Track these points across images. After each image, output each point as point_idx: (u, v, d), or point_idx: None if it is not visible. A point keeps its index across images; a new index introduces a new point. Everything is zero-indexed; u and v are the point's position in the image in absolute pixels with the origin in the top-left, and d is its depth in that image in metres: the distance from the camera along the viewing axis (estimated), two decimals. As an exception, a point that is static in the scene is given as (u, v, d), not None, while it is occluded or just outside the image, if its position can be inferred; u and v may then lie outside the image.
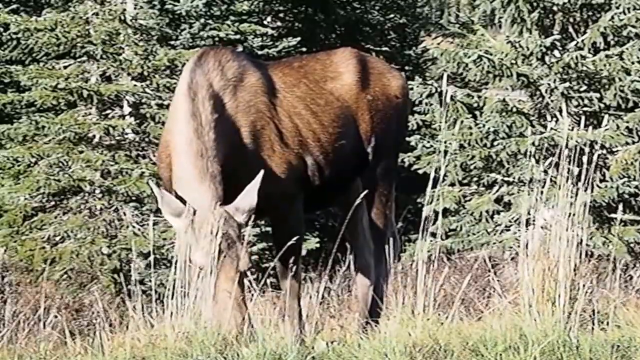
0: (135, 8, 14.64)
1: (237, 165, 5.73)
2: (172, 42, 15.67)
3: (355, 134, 6.58)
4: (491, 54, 13.05)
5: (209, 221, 5.43)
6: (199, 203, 5.50)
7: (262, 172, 5.63)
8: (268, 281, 6.36)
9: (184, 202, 5.50)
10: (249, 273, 5.79)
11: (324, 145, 6.30)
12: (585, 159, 5.93)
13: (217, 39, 16.08)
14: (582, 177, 5.80)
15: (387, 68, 7.05)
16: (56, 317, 8.53)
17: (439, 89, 13.19)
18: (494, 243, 13.43)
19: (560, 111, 13.01)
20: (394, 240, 6.42)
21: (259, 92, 6.08)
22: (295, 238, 5.82)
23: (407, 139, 13.21)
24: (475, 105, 13.41)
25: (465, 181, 13.74)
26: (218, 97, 5.81)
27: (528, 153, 12.78)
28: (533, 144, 12.59)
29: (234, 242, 5.44)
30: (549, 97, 13.06)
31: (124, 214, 14.27)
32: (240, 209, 5.54)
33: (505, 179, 13.44)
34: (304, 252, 10.27)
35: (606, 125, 12.75)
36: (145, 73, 14.38)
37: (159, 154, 6.12)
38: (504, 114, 13.02)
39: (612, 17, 12.87)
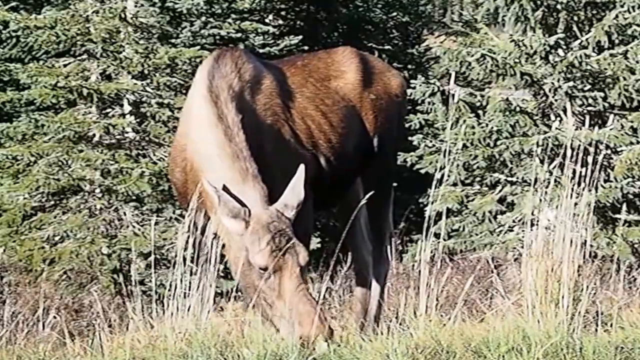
0: (135, 6, 14.59)
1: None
2: (173, 40, 15.59)
3: (360, 133, 6.58)
4: (494, 53, 12.98)
5: (264, 221, 5.39)
6: (248, 204, 5.45)
7: (302, 166, 5.61)
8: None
9: (239, 202, 5.44)
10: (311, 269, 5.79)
11: (334, 146, 6.29)
12: (589, 158, 5.90)
13: (218, 37, 16.04)
14: (587, 177, 5.75)
15: (386, 67, 7.10)
16: (55, 317, 8.51)
17: (441, 88, 13.13)
18: (497, 244, 13.35)
19: (565, 110, 12.96)
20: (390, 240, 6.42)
21: (274, 94, 6.07)
22: (306, 237, 5.79)
23: (410, 138, 13.17)
24: (478, 104, 13.34)
25: (468, 181, 13.66)
26: (239, 99, 5.77)
27: (532, 153, 12.73)
28: (537, 143, 12.51)
29: (291, 238, 5.38)
30: (553, 97, 12.99)
31: (124, 213, 14.20)
32: (289, 206, 5.49)
33: (509, 179, 13.36)
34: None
35: (610, 125, 12.69)
36: (146, 71, 14.32)
37: (173, 157, 6.05)
38: (507, 113, 12.95)
39: (617, 16, 12.80)
